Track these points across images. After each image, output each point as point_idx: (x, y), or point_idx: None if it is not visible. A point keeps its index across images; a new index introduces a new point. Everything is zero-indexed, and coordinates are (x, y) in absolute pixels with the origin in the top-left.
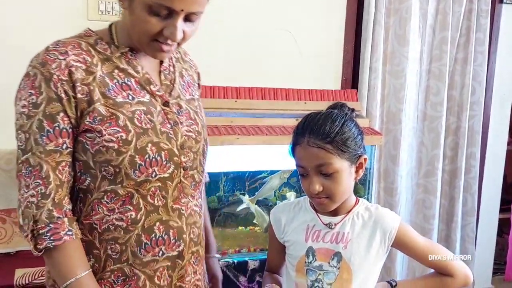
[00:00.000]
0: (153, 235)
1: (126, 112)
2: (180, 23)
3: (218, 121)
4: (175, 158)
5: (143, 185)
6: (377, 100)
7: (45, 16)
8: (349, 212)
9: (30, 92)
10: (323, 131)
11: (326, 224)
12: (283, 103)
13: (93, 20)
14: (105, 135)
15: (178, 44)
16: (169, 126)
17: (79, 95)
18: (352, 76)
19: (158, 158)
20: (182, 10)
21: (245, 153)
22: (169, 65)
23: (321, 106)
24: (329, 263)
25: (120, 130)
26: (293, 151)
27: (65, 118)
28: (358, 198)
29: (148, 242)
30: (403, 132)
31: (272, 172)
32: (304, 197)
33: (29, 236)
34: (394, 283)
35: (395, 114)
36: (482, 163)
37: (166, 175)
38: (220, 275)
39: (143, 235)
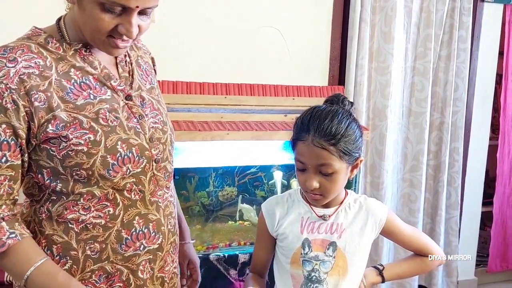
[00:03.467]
0: (133, 229)
1: (89, 114)
2: (135, 19)
3: (208, 117)
4: (146, 152)
5: (118, 183)
6: (363, 96)
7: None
8: (341, 203)
9: None
10: (329, 132)
11: (320, 216)
12: (272, 99)
13: None
14: (72, 139)
15: (134, 39)
16: (135, 120)
17: (36, 103)
18: (339, 73)
19: (130, 154)
20: (137, 7)
21: (235, 149)
22: (125, 55)
23: (310, 102)
24: (324, 252)
25: (87, 132)
26: (294, 145)
27: (8, 130)
28: (347, 190)
29: (129, 237)
30: (389, 128)
31: (262, 167)
32: (294, 189)
33: None
34: (381, 267)
35: (381, 110)
36: (465, 158)
37: (139, 170)
38: (197, 259)
39: (123, 231)
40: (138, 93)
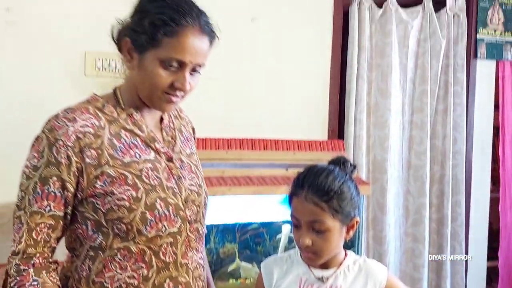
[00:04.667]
0: None
1: (134, 171)
2: (188, 74)
3: (210, 172)
4: (181, 212)
5: (154, 241)
6: (362, 150)
7: (45, 72)
8: (340, 265)
9: (33, 155)
10: (322, 188)
11: (318, 278)
12: (273, 153)
13: (91, 76)
14: (116, 194)
15: (183, 96)
16: (173, 181)
17: (87, 160)
18: (338, 127)
19: (167, 212)
20: (191, 62)
21: (236, 204)
22: (169, 121)
23: (310, 156)
24: None
25: (130, 188)
26: (290, 201)
27: (57, 183)
28: (346, 250)
29: None
30: (389, 181)
31: (263, 224)
32: (295, 250)
33: None
34: None
35: (381, 163)
36: (467, 211)
37: (175, 229)
38: None
39: None
40: (178, 156)
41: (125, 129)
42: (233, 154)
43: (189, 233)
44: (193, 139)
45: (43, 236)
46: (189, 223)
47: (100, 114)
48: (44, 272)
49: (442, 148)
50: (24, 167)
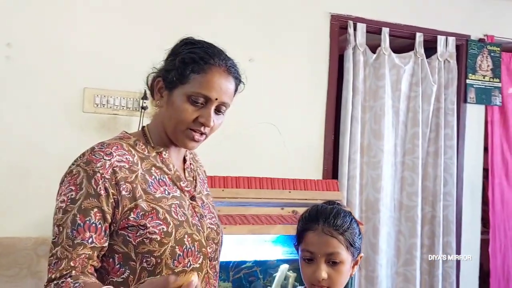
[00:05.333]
0: None
1: (164, 206)
2: (213, 111)
3: None
4: (203, 249)
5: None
6: (356, 190)
7: (44, 108)
8: None
9: (70, 189)
10: (336, 222)
11: None
12: (269, 192)
13: (88, 112)
14: (149, 227)
15: (206, 135)
16: (197, 218)
17: (123, 192)
18: (332, 167)
19: (193, 248)
20: (217, 99)
21: (230, 242)
22: (190, 163)
23: (305, 195)
24: None
25: (161, 222)
26: (301, 237)
27: (98, 214)
28: None
29: None
30: (382, 221)
31: (257, 262)
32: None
33: None
34: None
35: (373, 203)
36: (458, 252)
37: (197, 265)
38: None
39: None
40: (199, 196)
41: (155, 167)
42: (229, 192)
43: (209, 270)
44: (206, 181)
45: (81, 262)
46: (209, 260)
47: (133, 151)
48: (81, 276)
49: (433, 189)
50: (59, 202)
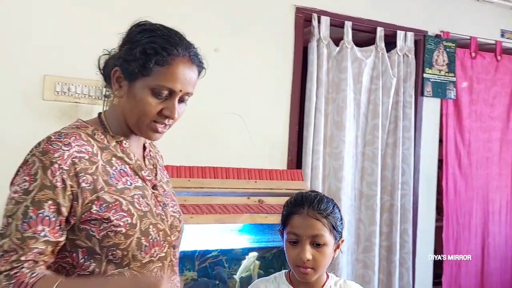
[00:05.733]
0: None
1: (127, 197)
2: (177, 103)
3: None
4: (168, 238)
5: (147, 266)
6: (319, 179)
7: (1, 96)
8: (322, 286)
9: (24, 179)
10: (320, 206)
11: None
12: (235, 182)
13: (49, 100)
14: (113, 220)
15: (170, 126)
16: (160, 208)
17: (83, 184)
18: (296, 157)
19: (158, 238)
20: (181, 91)
21: (196, 231)
22: (150, 150)
23: (270, 184)
24: None
25: (126, 214)
26: (287, 221)
27: (52, 206)
28: (328, 273)
29: None
30: (343, 209)
31: (222, 251)
32: (279, 272)
33: None
34: None
35: (335, 192)
36: (414, 239)
37: (163, 254)
38: None
39: None
40: (160, 184)
41: (116, 157)
42: (195, 182)
43: (172, 258)
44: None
45: (32, 257)
46: (173, 248)
47: (92, 141)
48: (37, 268)
49: (392, 179)
50: (11, 193)
